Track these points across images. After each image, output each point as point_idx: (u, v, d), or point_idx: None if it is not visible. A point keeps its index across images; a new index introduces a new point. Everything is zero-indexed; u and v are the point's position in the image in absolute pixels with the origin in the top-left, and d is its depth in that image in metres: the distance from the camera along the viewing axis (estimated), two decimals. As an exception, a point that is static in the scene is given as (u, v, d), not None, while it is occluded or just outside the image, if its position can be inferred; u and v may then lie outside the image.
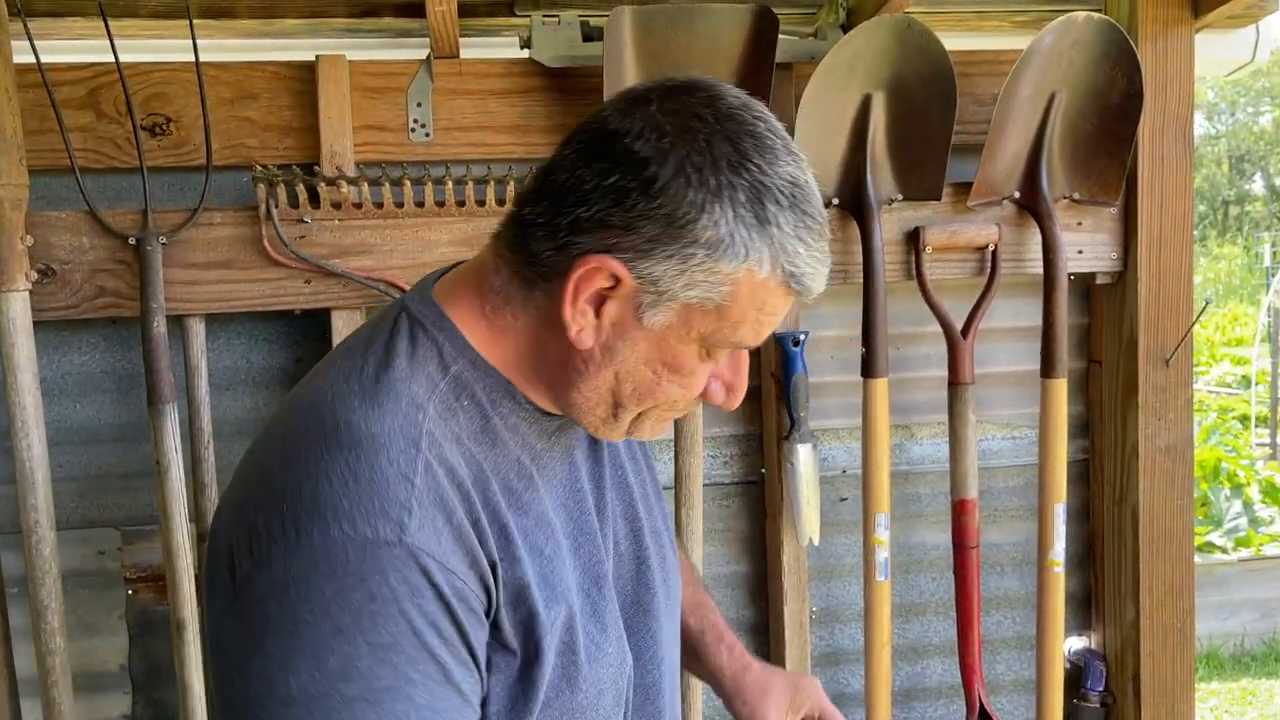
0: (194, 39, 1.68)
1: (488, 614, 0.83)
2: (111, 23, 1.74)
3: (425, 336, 0.87)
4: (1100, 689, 2.13)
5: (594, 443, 1.01)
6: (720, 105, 0.82)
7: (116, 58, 1.66)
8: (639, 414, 0.90)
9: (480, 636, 0.82)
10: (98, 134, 1.81)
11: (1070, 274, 1.97)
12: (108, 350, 1.88)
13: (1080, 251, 2.00)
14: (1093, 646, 2.20)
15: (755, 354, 2.05)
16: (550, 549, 0.89)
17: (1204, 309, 2.00)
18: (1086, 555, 2.20)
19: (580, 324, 0.84)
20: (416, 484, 0.79)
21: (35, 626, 1.73)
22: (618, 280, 0.82)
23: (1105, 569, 2.15)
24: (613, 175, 0.80)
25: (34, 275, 1.71)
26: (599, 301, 0.83)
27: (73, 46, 1.96)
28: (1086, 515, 2.19)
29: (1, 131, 1.63)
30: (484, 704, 0.84)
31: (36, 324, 1.71)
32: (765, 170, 0.80)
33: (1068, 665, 2.18)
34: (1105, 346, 2.10)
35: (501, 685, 0.85)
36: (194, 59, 1.73)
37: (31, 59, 1.69)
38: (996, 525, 2.17)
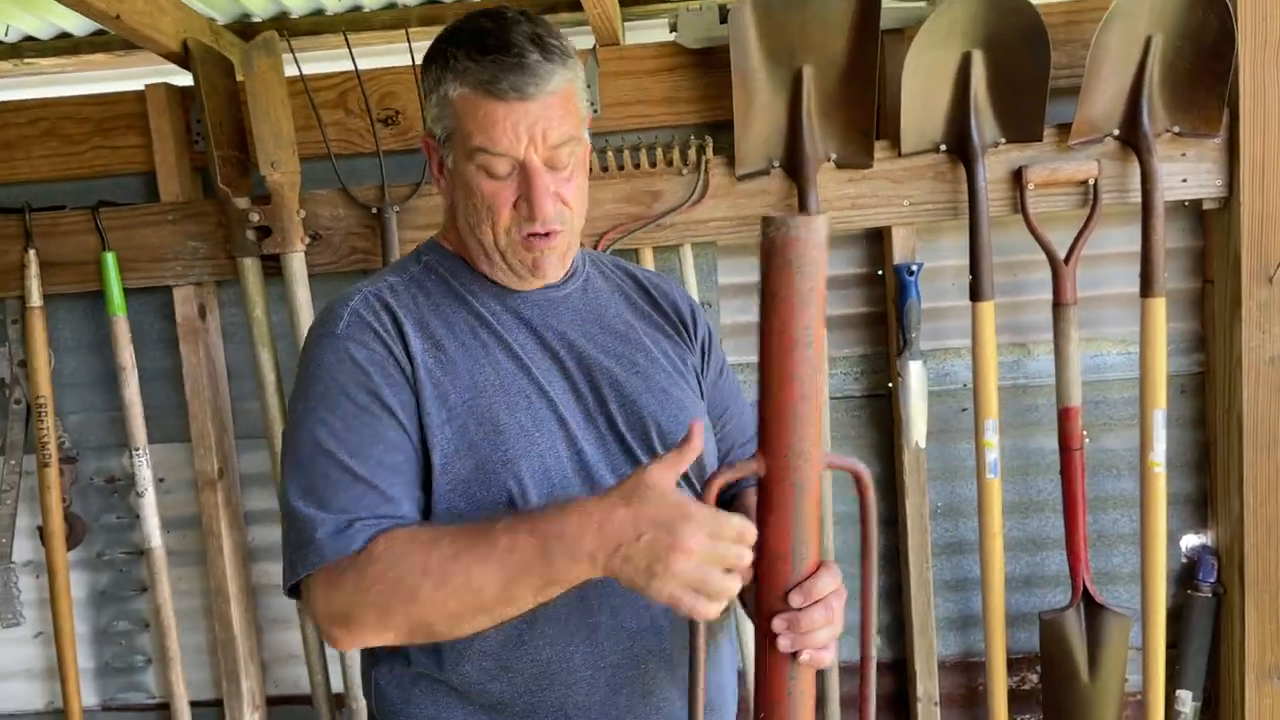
0: (410, 44, 2.15)
1: (410, 384, 1.22)
2: (351, 36, 2.26)
3: (414, 251, 1.38)
4: (1212, 580, 2.33)
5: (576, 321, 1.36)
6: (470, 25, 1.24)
7: (356, 69, 2.15)
8: (494, 236, 1.26)
9: (402, 395, 1.21)
10: (345, 127, 2.33)
11: (1182, 200, 2.16)
12: (359, 295, 2.42)
13: (1184, 180, 2.17)
14: (1208, 544, 2.40)
15: (880, 283, 2.36)
16: (462, 370, 1.25)
17: (1304, 228, 2.13)
18: (1203, 460, 2.38)
19: (442, 184, 1.30)
20: (353, 304, 1.26)
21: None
22: (431, 145, 1.28)
23: (1217, 471, 2.33)
24: None
25: (306, 240, 2.25)
26: (439, 168, 1.29)
27: (317, 56, 2.49)
28: (1203, 424, 2.37)
29: (281, 132, 2.17)
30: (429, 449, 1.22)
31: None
32: (453, 48, 1.21)
33: (1184, 560, 2.40)
34: (1215, 266, 2.27)
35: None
36: (411, 62, 2.21)
37: (293, 72, 2.22)
38: (1112, 432, 2.39)
